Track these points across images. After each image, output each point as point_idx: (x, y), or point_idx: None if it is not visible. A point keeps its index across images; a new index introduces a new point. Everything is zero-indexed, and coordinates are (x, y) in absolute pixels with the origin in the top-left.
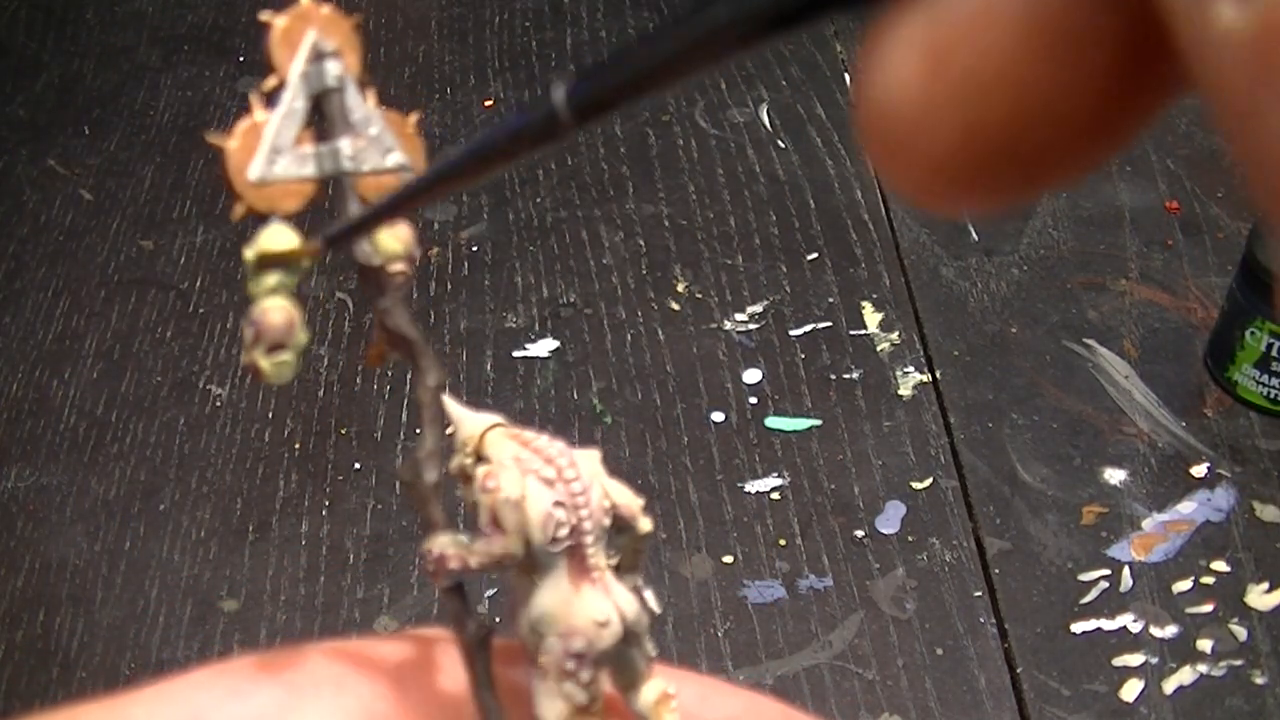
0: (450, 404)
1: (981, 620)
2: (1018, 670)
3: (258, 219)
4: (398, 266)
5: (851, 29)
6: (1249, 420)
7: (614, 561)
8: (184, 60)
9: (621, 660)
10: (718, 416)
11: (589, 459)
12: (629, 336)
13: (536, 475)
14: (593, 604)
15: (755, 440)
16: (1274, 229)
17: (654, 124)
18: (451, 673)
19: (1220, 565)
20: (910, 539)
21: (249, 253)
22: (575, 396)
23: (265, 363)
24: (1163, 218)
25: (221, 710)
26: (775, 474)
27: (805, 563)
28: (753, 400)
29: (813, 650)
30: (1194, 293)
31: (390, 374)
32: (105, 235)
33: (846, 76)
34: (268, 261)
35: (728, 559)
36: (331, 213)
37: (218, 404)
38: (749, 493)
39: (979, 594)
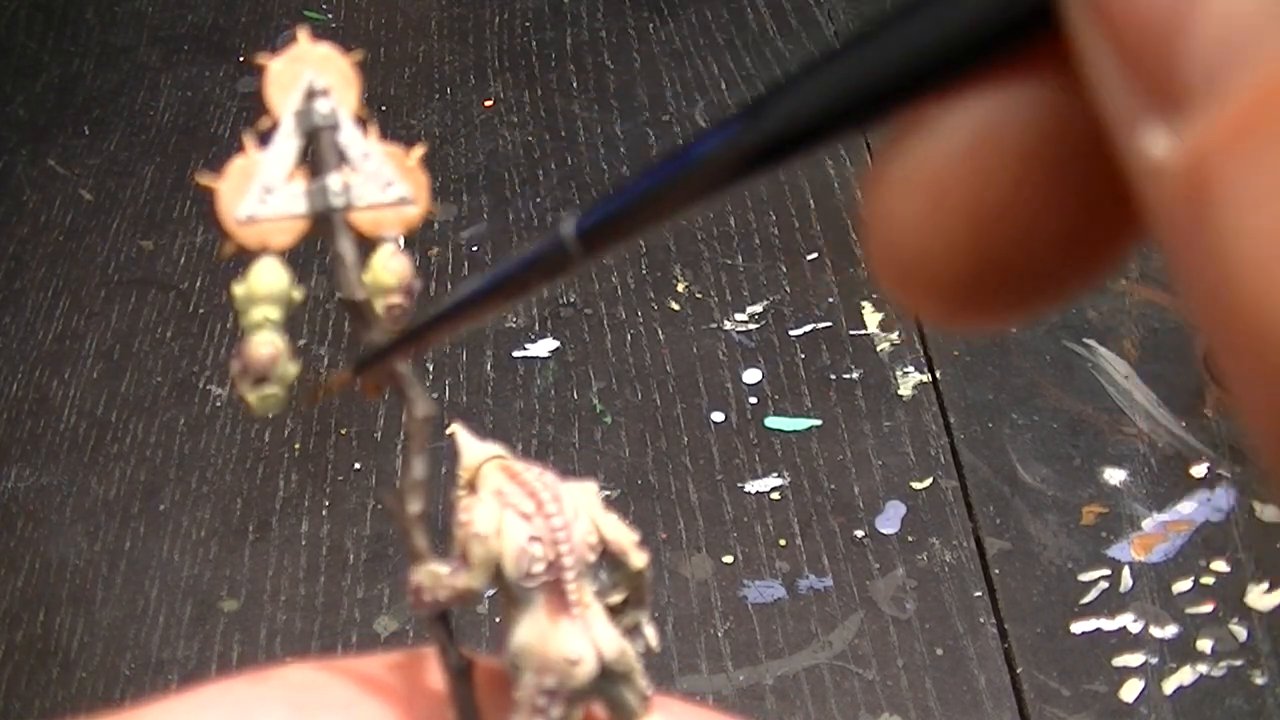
0: (461, 433)
1: (981, 620)
2: (1018, 670)
3: (249, 256)
4: (394, 300)
5: (851, 29)
6: None
7: (619, 598)
8: (184, 60)
9: (610, 698)
10: (718, 416)
11: (582, 492)
12: (629, 336)
13: (515, 510)
14: (567, 641)
15: (755, 440)
16: (1217, 365)
17: (654, 124)
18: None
19: (1220, 565)
20: (910, 539)
21: (238, 289)
22: (575, 396)
23: (251, 395)
24: None
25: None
26: (775, 474)
27: (805, 563)
28: (753, 400)
29: (813, 650)
30: None
31: None
32: (105, 235)
33: None
34: (256, 297)
35: (728, 559)
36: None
37: (218, 404)
38: (749, 493)
39: (979, 594)
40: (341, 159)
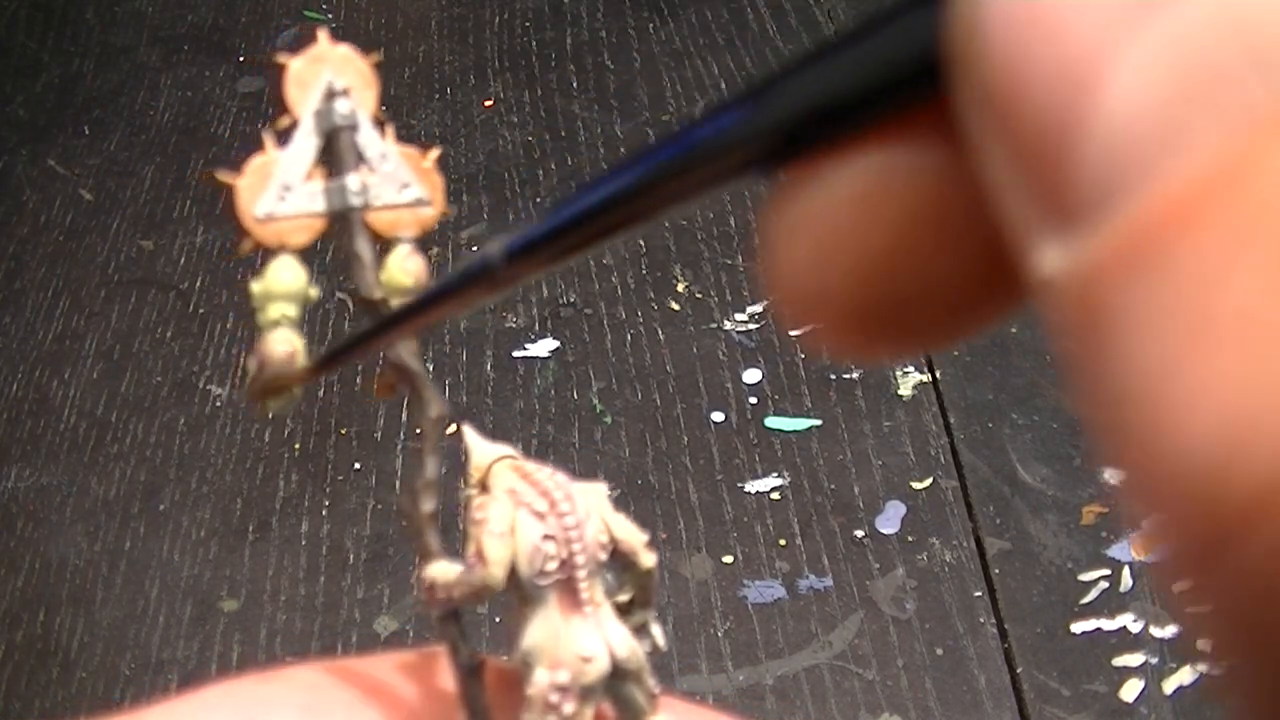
0: (469, 433)
1: (981, 620)
2: (1018, 670)
3: (267, 253)
4: (405, 300)
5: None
6: None
7: (625, 597)
8: (184, 60)
9: (619, 696)
10: (718, 416)
11: (592, 493)
12: (629, 336)
13: (529, 508)
14: (580, 638)
15: (755, 440)
16: (1110, 462)
17: (654, 124)
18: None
19: None
20: (910, 539)
21: (256, 286)
22: (575, 396)
23: (268, 399)
24: None
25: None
26: (775, 474)
27: (805, 563)
28: (753, 400)
29: (813, 650)
30: None
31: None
32: (105, 235)
33: None
34: (274, 295)
35: (728, 559)
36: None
37: (218, 404)
38: (749, 493)
39: (979, 594)
40: (359, 159)
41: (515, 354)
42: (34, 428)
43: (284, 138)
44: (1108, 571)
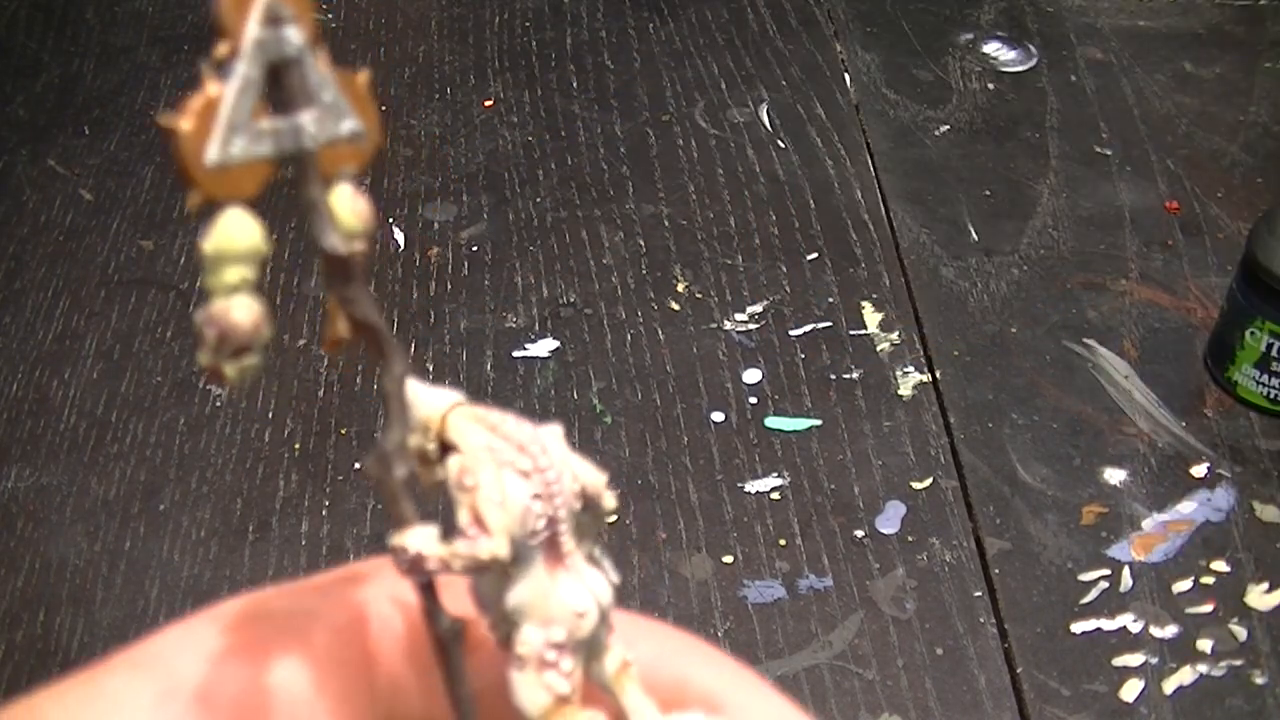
0: (411, 383)
1: (981, 620)
2: (1018, 670)
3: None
4: (358, 245)
5: (851, 29)
6: (1249, 420)
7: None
8: (184, 60)
9: (592, 639)
10: (718, 416)
11: (554, 438)
12: (629, 336)
13: (512, 467)
14: (570, 594)
15: (755, 440)
16: None
17: (654, 124)
18: (412, 609)
19: (1220, 565)
20: (910, 539)
21: (208, 246)
22: (575, 396)
23: (229, 367)
24: (1163, 218)
25: (197, 672)
26: (775, 474)
27: (805, 563)
28: (753, 400)
29: (813, 650)
30: (1194, 293)
31: None
32: (105, 235)
33: (846, 77)
34: (227, 255)
35: (728, 559)
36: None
37: (218, 404)
38: (749, 493)
39: (979, 594)
40: (308, 93)
41: (515, 354)
42: (34, 428)
43: (223, 70)
44: (1108, 571)
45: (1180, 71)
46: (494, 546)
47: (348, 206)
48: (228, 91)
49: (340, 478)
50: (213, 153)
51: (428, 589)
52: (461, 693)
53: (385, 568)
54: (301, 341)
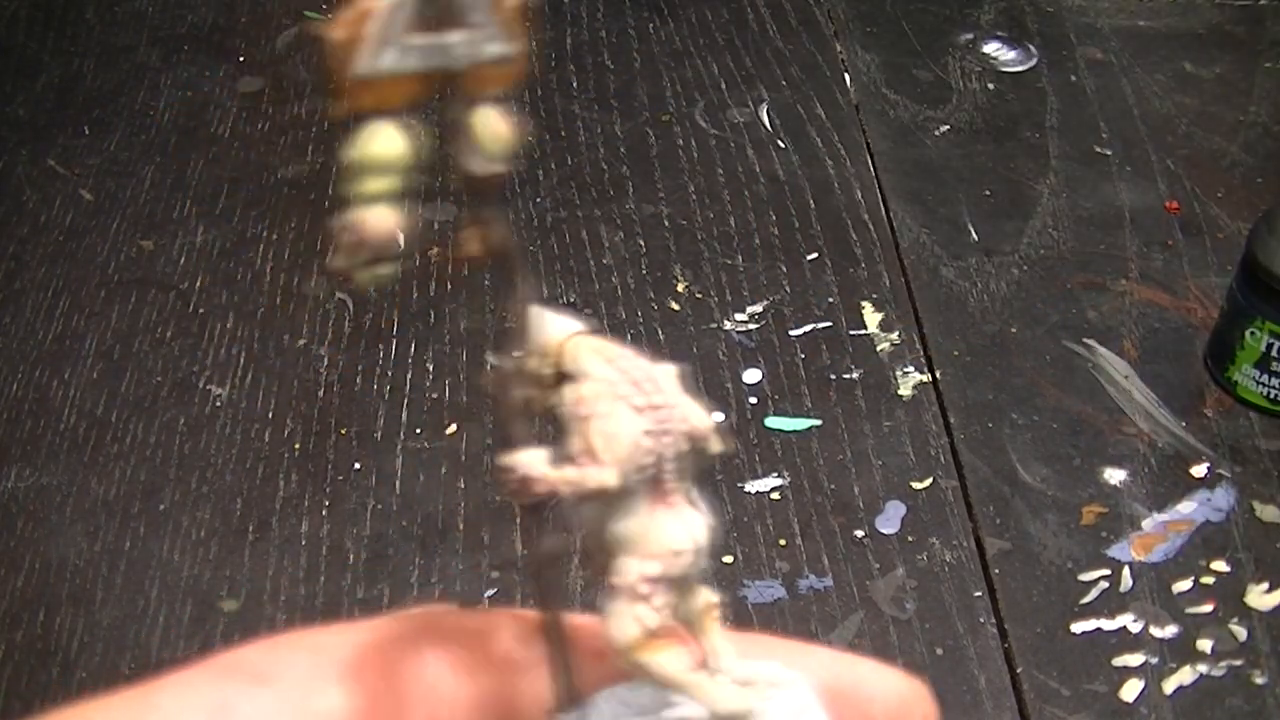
0: (535, 309)
1: (981, 620)
2: (1018, 670)
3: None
4: (497, 167)
5: (851, 29)
6: (1249, 420)
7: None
8: (184, 60)
9: (685, 578)
10: (718, 416)
11: (669, 378)
12: (629, 336)
13: (627, 402)
14: (670, 530)
15: (755, 440)
16: None
17: (654, 124)
18: (447, 655)
19: (1220, 565)
20: (910, 539)
21: (352, 153)
22: None
23: (362, 274)
24: (1163, 218)
25: (247, 696)
26: (775, 474)
27: (805, 563)
28: (753, 400)
29: None
30: (1194, 293)
31: (390, 374)
32: (105, 235)
33: (846, 77)
34: (369, 164)
35: (728, 559)
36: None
37: (218, 404)
38: (749, 493)
39: (979, 594)
40: (458, 13)
41: (515, 354)
42: (34, 428)
43: None
44: (1108, 571)
45: (1180, 71)
46: (603, 476)
47: (490, 128)
48: (382, 5)
49: (340, 478)
50: (362, 64)
51: (535, 510)
52: (555, 615)
53: (432, 617)
54: (301, 341)
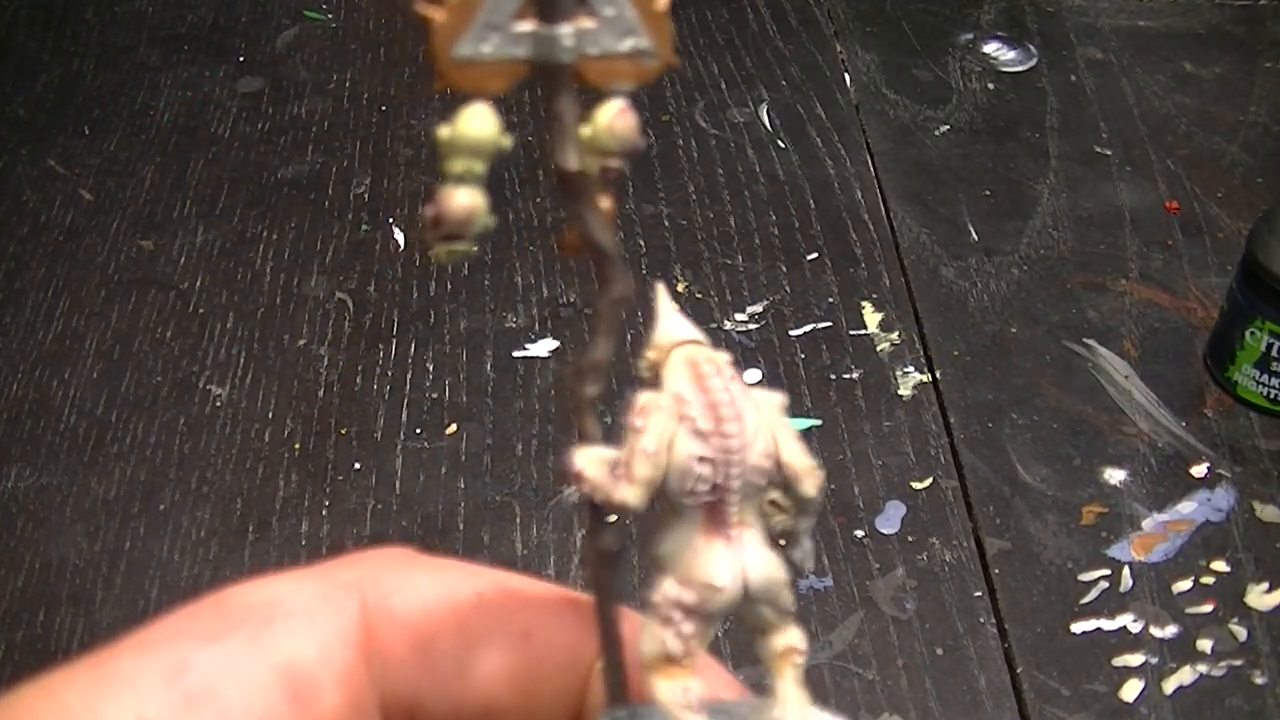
0: (663, 298)
1: (981, 620)
2: (1018, 670)
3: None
4: (613, 163)
5: (851, 29)
6: (1249, 420)
7: (781, 521)
8: (184, 60)
9: (750, 615)
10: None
11: (767, 406)
12: (629, 337)
13: (691, 424)
14: (715, 564)
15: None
16: None
17: (654, 124)
18: (414, 596)
19: (1220, 565)
20: (910, 539)
21: (445, 132)
22: None
23: (441, 248)
24: (1163, 218)
25: (202, 652)
26: None
27: None
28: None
29: (813, 650)
30: (1194, 293)
31: (390, 374)
32: (105, 235)
33: (846, 77)
34: (460, 145)
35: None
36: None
37: (218, 404)
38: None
39: (979, 594)
40: (579, 3)
41: (515, 354)
42: (34, 428)
43: None
44: (1108, 571)
45: (1180, 71)
46: (625, 494)
47: (607, 122)
48: None
49: (340, 478)
50: (464, 47)
51: (593, 504)
52: (607, 610)
53: (384, 556)
54: (301, 341)
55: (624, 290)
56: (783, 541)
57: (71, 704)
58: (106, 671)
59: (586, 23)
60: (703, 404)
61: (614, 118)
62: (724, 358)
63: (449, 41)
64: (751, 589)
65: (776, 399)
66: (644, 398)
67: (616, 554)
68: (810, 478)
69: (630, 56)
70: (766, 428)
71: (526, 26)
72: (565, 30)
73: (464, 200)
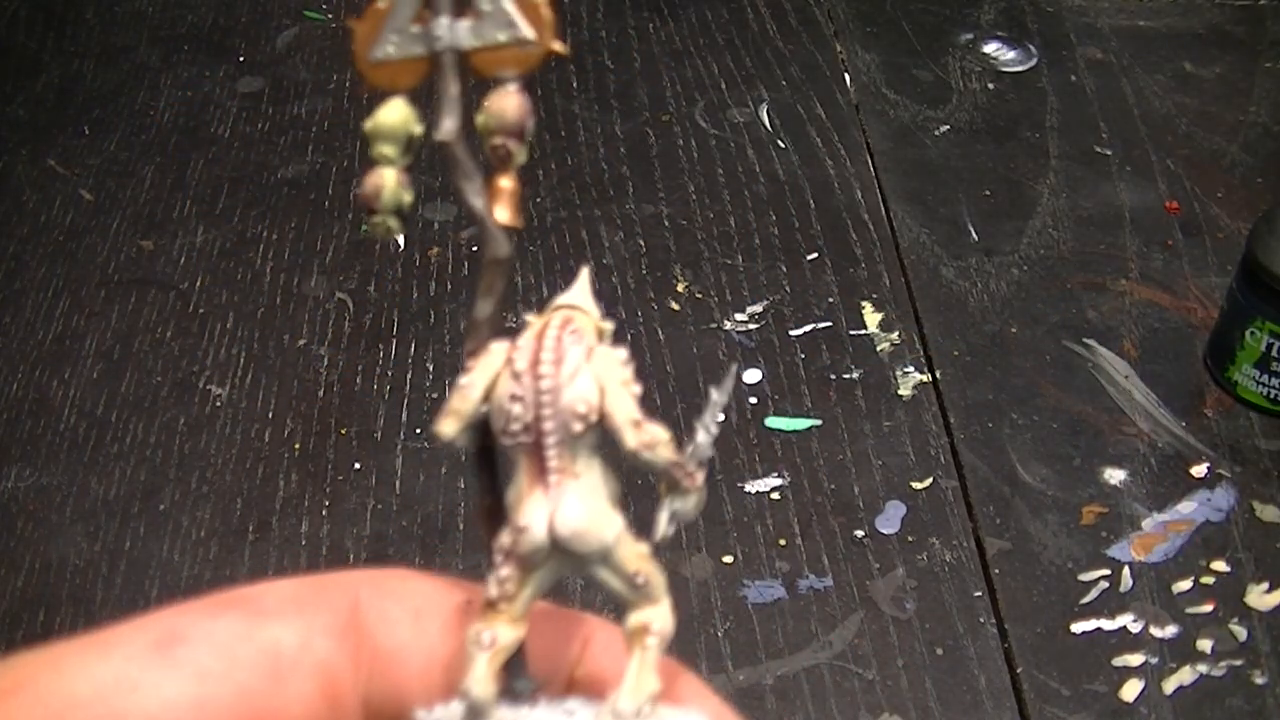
0: (582, 277)
1: (981, 620)
2: (1018, 670)
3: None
4: (496, 140)
5: (851, 29)
6: (1249, 420)
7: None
8: (184, 60)
9: (590, 577)
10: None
11: (605, 360)
12: (629, 336)
13: (511, 365)
14: (528, 508)
15: (755, 440)
16: None
17: (654, 124)
18: (407, 602)
19: (1220, 565)
20: (910, 539)
21: (367, 124)
22: None
23: (365, 222)
24: (1163, 218)
25: (195, 627)
26: (775, 474)
27: (805, 563)
28: (753, 400)
29: (813, 650)
30: (1194, 293)
31: (390, 374)
32: (105, 235)
33: (846, 76)
34: (377, 132)
35: (728, 559)
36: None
37: (218, 404)
38: (749, 493)
39: (979, 594)
40: (459, 2)
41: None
42: (34, 428)
43: None
44: (1108, 571)
45: (1180, 71)
46: (440, 425)
47: (488, 102)
48: (397, 0)
49: (340, 478)
50: (376, 50)
51: (480, 460)
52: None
53: (386, 570)
54: (301, 341)
55: (498, 253)
56: (670, 529)
57: (65, 661)
58: (101, 638)
59: (467, 19)
60: (528, 350)
61: (495, 98)
62: (586, 320)
63: (365, 47)
64: (558, 536)
65: (619, 355)
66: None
67: (494, 509)
68: (629, 430)
69: (511, 46)
70: (592, 377)
71: (417, 28)
72: (439, 23)
73: (370, 178)
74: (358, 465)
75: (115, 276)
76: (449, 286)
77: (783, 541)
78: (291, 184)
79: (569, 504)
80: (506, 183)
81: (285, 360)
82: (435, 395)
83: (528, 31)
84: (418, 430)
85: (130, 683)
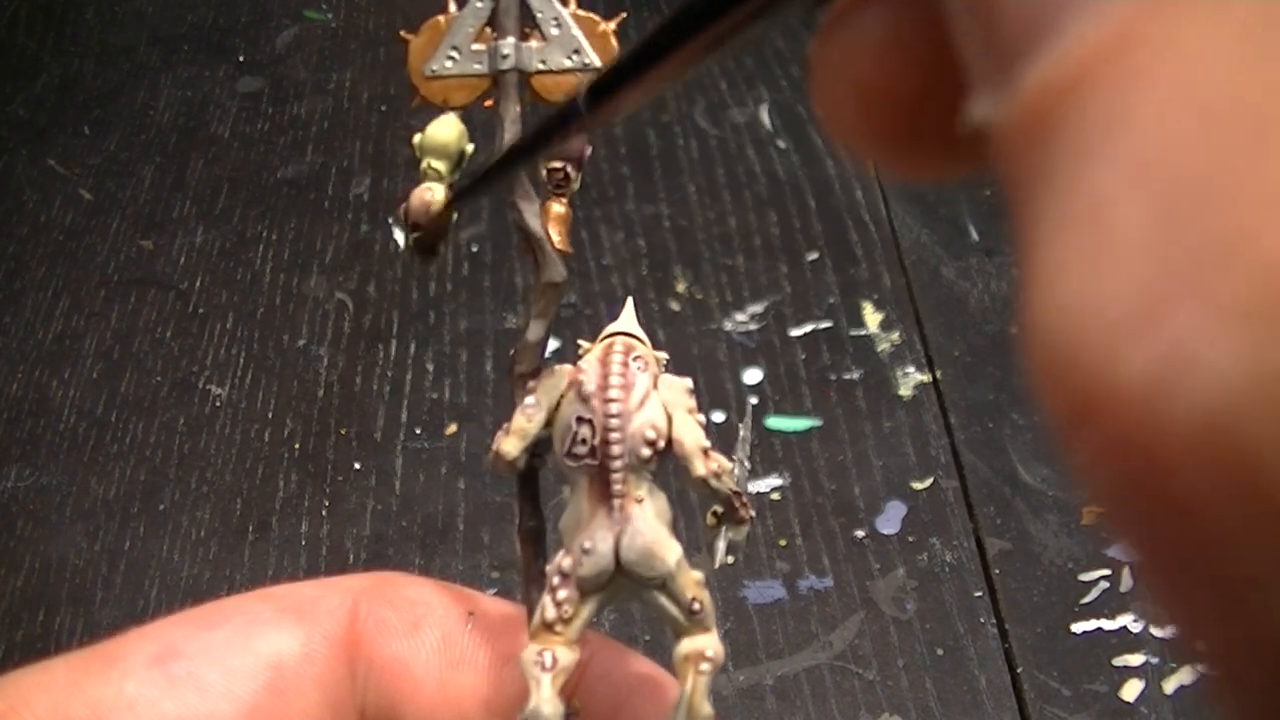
0: (628, 307)
1: (981, 620)
2: (1018, 670)
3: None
4: (554, 165)
5: None
6: None
7: (716, 510)
8: (184, 60)
9: (647, 602)
10: (718, 416)
11: (672, 387)
12: None
13: (578, 388)
14: (592, 530)
15: (755, 440)
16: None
17: (654, 124)
18: (405, 611)
19: None
20: (910, 539)
21: (416, 138)
22: None
23: (403, 235)
24: None
25: (192, 640)
26: (775, 474)
27: (805, 563)
28: (753, 400)
29: (813, 650)
30: None
31: (390, 374)
32: (105, 235)
33: None
34: (426, 146)
35: (728, 559)
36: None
37: (218, 404)
38: (749, 493)
39: (979, 594)
40: (527, 24)
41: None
42: (34, 428)
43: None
44: (1108, 571)
45: None
46: (504, 444)
47: None
48: (458, 16)
49: (340, 478)
50: (430, 64)
51: (523, 489)
52: (531, 590)
53: (383, 574)
54: (301, 341)
55: (554, 277)
56: (730, 558)
57: (60, 680)
58: (98, 653)
59: (534, 42)
60: (595, 374)
61: None
62: (646, 349)
63: (420, 60)
64: (624, 562)
65: (684, 383)
66: (553, 369)
67: (538, 531)
68: (699, 458)
69: (578, 71)
70: (660, 405)
71: (481, 46)
72: (505, 44)
73: (420, 194)
74: (357, 465)
75: (115, 276)
76: (449, 287)
77: (783, 542)
78: (291, 184)
79: (637, 528)
80: (559, 208)
81: (285, 360)
82: (435, 395)
83: (594, 58)
84: (418, 430)
85: (127, 701)
